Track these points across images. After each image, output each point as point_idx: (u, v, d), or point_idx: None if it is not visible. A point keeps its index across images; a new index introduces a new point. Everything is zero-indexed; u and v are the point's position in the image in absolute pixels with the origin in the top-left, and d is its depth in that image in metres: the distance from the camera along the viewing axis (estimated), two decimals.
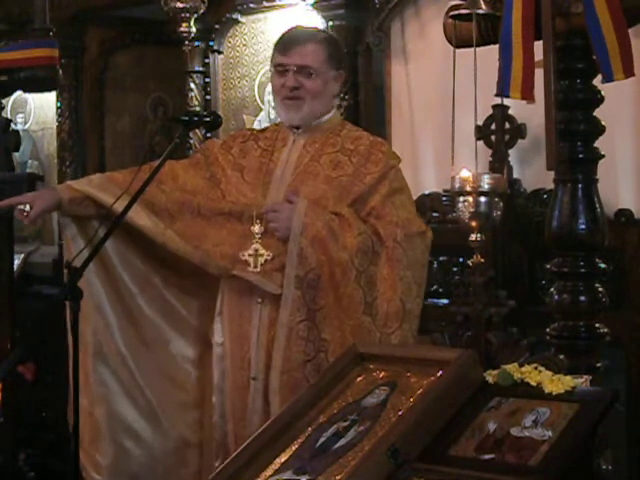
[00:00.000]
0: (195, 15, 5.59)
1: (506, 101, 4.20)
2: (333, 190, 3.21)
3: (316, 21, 5.24)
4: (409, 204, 3.28)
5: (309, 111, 3.26)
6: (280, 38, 3.33)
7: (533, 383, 2.42)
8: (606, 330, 3.16)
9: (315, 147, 3.28)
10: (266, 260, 3.18)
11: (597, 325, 3.15)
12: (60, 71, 4.84)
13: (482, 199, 3.96)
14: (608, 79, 2.92)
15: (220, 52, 5.80)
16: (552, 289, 3.19)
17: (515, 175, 4.64)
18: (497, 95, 3.05)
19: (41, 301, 6.20)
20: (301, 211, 3.11)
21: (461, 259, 4.63)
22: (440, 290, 4.79)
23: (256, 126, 5.53)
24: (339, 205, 3.17)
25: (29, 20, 4.90)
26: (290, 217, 3.11)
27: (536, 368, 2.46)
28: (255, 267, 3.17)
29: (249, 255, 3.21)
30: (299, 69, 3.23)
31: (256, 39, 5.72)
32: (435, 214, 4.90)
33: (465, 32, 3.22)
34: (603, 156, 3.16)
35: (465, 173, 3.96)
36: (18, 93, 6.13)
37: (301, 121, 3.27)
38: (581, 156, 3.11)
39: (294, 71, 3.23)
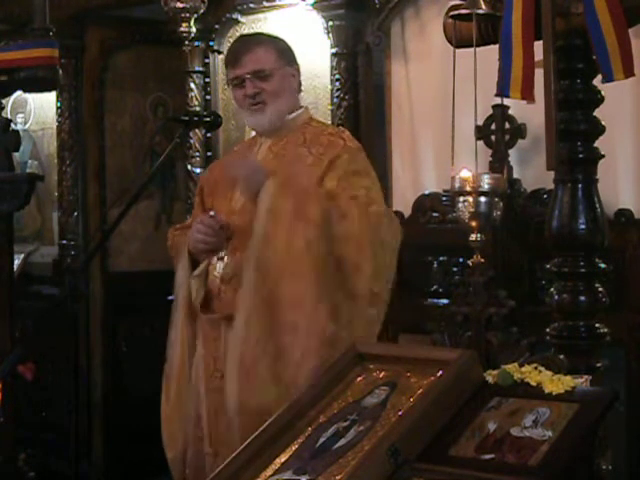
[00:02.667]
0: (195, 15, 5.59)
1: (506, 101, 4.20)
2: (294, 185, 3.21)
3: (316, 21, 5.25)
4: (369, 185, 3.23)
5: (275, 111, 3.29)
6: (227, 54, 3.41)
7: (533, 383, 2.42)
8: (606, 330, 3.16)
9: (279, 146, 3.31)
10: (226, 264, 3.23)
11: (597, 325, 3.15)
12: (60, 71, 4.83)
13: (482, 199, 3.96)
14: (608, 79, 2.92)
15: (220, 52, 5.80)
16: (552, 289, 3.19)
17: (515, 175, 4.63)
18: (497, 95, 3.04)
19: (41, 301, 6.20)
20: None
21: (461, 259, 4.63)
22: (440, 290, 4.78)
23: None
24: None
25: (29, 20, 4.89)
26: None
27: (536, 368, 2.46)
28: (218, 272, 3.25)
29: (218, 258, 3.25)
30: (254, 75, 3.27)
31: None
32: (435, 214, 4.90)
33: (465, 32, 3.22)
34: (603, 156, 3.16)
35: (465, 173, 3.96)
36: (18, 93, 6.12)
37: (270, 123, 3.30)
38: (581, 156, 3.11)
39: (250, 79, 3.27)
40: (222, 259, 3.25)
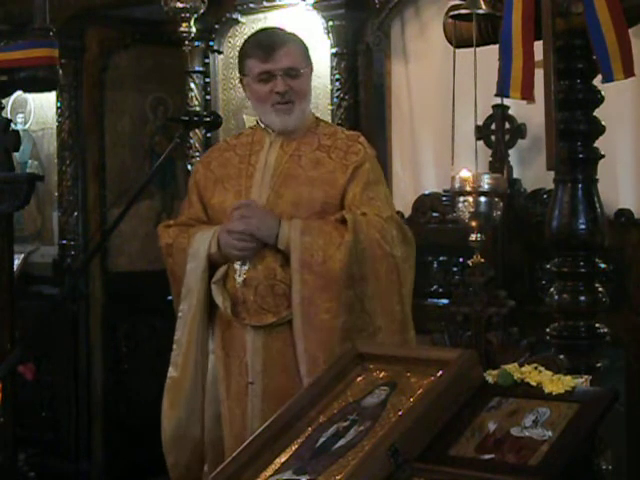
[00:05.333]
0: (195, 15, 5.58)
1: (506, 101, 4.20)
2: (317, 190, 3.20)
3: (316, 21, 5.25)
4: (383, 196, 3.28)
5: (300, 112, 3.26)
6: (255, 46, 3.28)
7: (533, 383, 2.42)
8: (606, 330, 3.16)
9: (292, 147, 3.27)
10: (248, 268, 3.20)
11: (597, 325, 3.15)
12: (60, 71, 4.82)
13: (482, 199, 3.96)
14: (608, 79, 2.92)
15: (220, 52, 5.80)
16: (552, 289, 3.19)
17: (515, 175, 4.64)
18: (497, 95, 3.05)
19: (41, 301, 6.20)
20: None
21: (461, 259, 4.63)
22: (440, 290, 4.79)
23: None
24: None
25: (29, 20, 4.89)
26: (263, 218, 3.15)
27: (536, 368, 2.46)
28: (239, 276, 3.20)
29: (238, 263, 3.22)
30: (286, 72, 3.20)
31: None
32: (435, 214, 4.90)
33: (465, 32, 3.22)
34: (603, 156, 3.17)
35: (465, 173, 3.96)
36: (18, 93, 6.12)
37: (295, 124, 3.26)
38: (581, 156, 3.11)
39: (282, 75, 3.20)
40: (244, 263, 3.21)
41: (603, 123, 3.16)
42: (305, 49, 3.31)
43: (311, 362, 3.07)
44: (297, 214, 3.17)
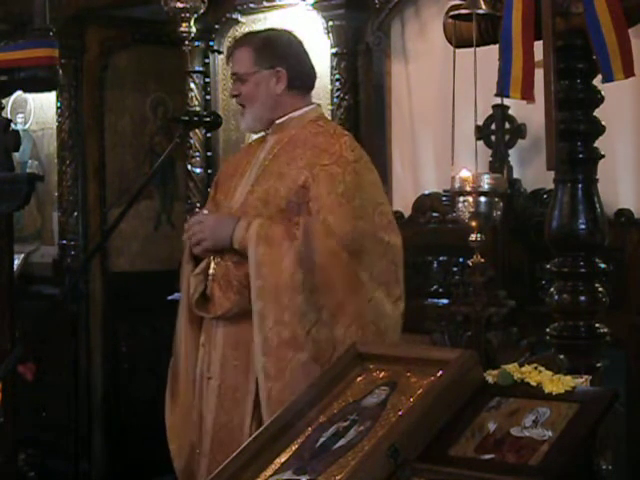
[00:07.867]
0: (195, 15, 5.59)
1: (506, 101, 4.20)
2: (283, 187, 3.15)
3: (316, 21, 5.25)
4: (353, 205, 3.13)
5: (251, 116, 3.27)
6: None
7: (533, 383, 2.42)
8: (606, 330, 3.16)
9: (281, 145, 3.27)
10: (214, 264, 3.22)
11: (597, 325, 3.15)
12: (60, 71, 4.83)
13: (482, 199, 3.96)
14: (608, 79, 2.92)
15: (220, 52, 5.80)
16: (552, 289, 3.19)
17: (515, 175, 4.64)
18: (497, 95, 3.04)
19: (41, 301, 6.20)
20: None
21: (461, 259, 4.63)
22: (440, 290, 4.79)
23: None
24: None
25: (29, 20, 4.89)
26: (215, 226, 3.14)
27: (536, 368, 2.46)
28: (210, 271, 3.24)
29: (213, 257, 3.25)
30: (236, 77, 3.28)
31: None
32: (435, 214, 4.90)
33: (465, 32, 3.22)
34: (603, 156, 3.16)
35: (465, 173, 3.96)
36: (18, 93, 6.12)
37: (247, 127, 3.33)
38: (581, 156, 3.11)
39: (234, 79, 3.30)
40: (214, 257, 3.24)
41: (603, 123, 3.16)
42: (261, 53, 3.23)
43: (265, 374, 3.05)
44: (265, 211, 3.15)
